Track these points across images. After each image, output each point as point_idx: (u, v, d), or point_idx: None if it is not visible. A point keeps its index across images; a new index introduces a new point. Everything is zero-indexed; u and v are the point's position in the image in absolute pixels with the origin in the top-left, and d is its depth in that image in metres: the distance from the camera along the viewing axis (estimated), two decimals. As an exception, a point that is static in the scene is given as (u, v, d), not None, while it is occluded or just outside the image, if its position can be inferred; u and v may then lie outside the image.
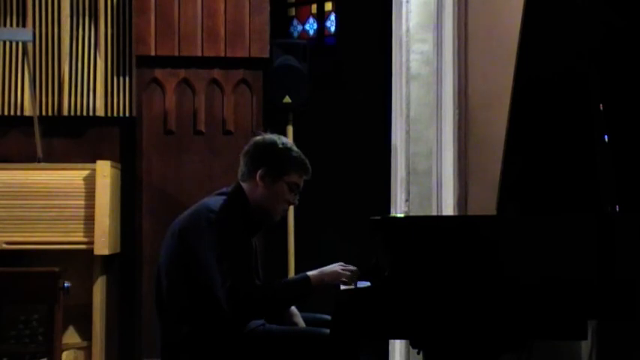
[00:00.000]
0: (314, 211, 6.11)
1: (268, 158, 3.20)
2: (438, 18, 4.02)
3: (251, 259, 3.13)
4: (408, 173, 4.25)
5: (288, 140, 3.31)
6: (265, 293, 3.03)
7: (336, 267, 3.13)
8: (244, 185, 3.22)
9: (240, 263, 3.01)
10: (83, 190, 4.95)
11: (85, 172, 4.98)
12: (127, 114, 5.44)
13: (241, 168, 3.24)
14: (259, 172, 3.18)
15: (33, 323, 4.90)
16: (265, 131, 3.35)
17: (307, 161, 3.27)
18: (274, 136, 3.28)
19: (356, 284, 3.09)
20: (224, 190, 3.25)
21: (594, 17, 2.89)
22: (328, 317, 2.94)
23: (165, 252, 3.16)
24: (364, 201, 5.50)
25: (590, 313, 2.62)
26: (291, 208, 5.55)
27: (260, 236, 5.34)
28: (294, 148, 3.26)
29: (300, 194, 3.30)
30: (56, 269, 4.03)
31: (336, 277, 3.08)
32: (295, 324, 3.28)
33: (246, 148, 3.27)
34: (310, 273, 3.10)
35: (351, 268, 3.14)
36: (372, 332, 2.68)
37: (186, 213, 3.20)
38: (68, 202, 4.95)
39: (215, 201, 3.16)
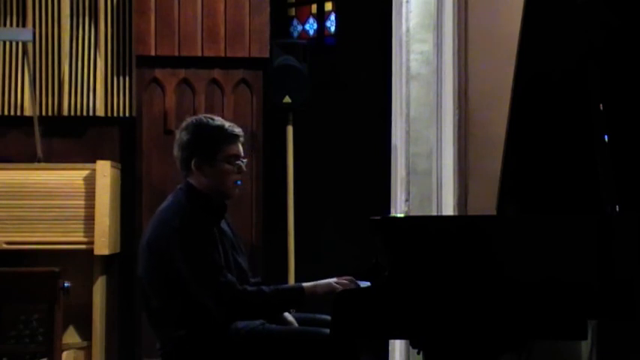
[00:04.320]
0: (314, 211, 6.12)
1: (192, 148, 3.14)
2: (438, 18, 4.02)
3: (222, 252, 3.09)
4: (408, 173, 4.24)
5: (200, 117, 3.23)
6: (256, 296, 3.02)
7: (330, 280, 3.10)
8: (190, 180, 3.19)
9: (214, 265, 3.00)
10: (83, 190, 4.95)
11: (85, 172, 4.97)
12: (127, 114, 5.43)
13: (178, 167, 3.21)
14: (193, 164, 3.14)
15: (33, 323, 4.90)
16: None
17: (231, 125, 3.18)
18: (186, 123, 3.20)
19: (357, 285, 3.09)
20: (178, 188, 3.21)
21: (594, 17, 2.89)
22: (328, 317, 2.94)
23: (143, 268, 3.13)
24: (364, 201, 5.49)
25: (590, 313, 2.63)
26: (292, 208, 5.55)
27: (259, 235, 5.41)
28: (211, 122, 3.18)
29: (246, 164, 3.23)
30: (56, 269, 4.01)
31: (329, 289, 3.04)
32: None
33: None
34: (305, 284, 3.09)
35: (346, 278, 3.12)
36: (372, 332, 2.68)
37: (150, 224, 3.17)
38: (68, 202, 4.94)
39: (171, 206, 3.14)
